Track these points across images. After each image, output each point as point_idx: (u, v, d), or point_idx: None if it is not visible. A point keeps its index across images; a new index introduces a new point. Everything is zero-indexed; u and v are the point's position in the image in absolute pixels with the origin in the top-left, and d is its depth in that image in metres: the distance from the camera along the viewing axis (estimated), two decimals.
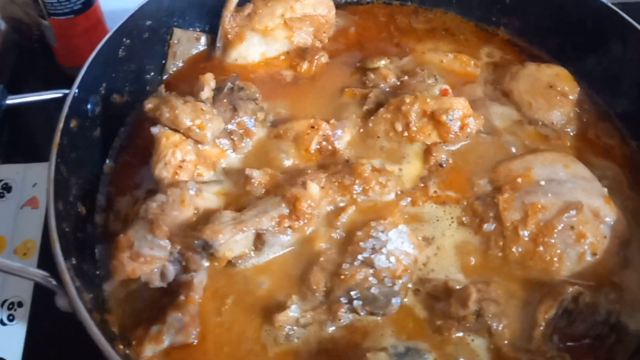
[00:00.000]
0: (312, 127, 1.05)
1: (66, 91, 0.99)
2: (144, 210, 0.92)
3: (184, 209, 0.93)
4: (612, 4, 1.16)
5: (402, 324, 0.90)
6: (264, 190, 0.98)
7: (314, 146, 1.05)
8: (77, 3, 1.26)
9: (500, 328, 0.87)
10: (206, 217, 0.93)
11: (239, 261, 0.93)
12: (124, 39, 1.11)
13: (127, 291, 0.92)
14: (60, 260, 0.80)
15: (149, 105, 1.01)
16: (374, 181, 1.00)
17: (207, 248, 0.90)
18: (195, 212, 0.94)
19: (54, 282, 0.81)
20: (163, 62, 1.23)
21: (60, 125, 0.93)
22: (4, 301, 1.07)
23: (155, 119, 1.01)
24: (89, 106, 1.03)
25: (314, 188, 0.95)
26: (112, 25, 1.26)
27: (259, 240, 0.94)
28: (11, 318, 1.06)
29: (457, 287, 0.90)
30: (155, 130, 1.00)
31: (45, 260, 0.90)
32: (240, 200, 0.99)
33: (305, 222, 0.94)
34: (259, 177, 0.99)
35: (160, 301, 0.89)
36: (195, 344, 0.86)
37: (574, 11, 1.20)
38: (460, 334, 0.88)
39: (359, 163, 1.01)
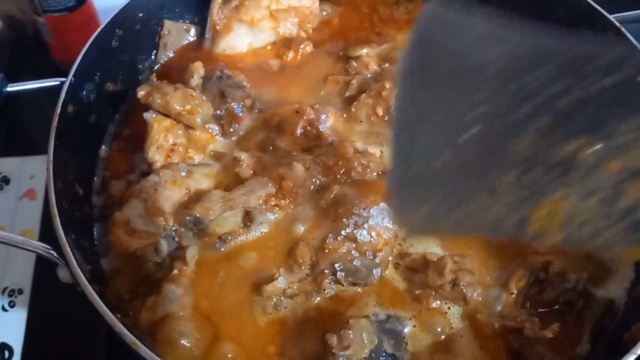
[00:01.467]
0: (297, 112, 1.10)
1: (63, 79, 1.04)
2: (138, 189, 0.98)
3: (176, 189, 0.99)
4: None
5: (384, 295, 0.94)
6: (251, 171, 1.03)
7: (299, 130, 1.09)
8: (71, 0, 1.31)
9: (474, 296, 0.91)
10: (197, 197, 0.98)
11: (229, 237, 0.98)
12: (117, 30, 1.16)
13: (123, 267, 0.96)
14: (60, 233, 0.85)
15: (141, 92, 1.07)
16: (356, 162, 1.04)
17: (197, 224, 0.96)
18: (187, 192, 1.00)
19: (55, 254, 0.86)
20: (154, 52, 1.28)
21: (58, 110, 0.98)
22: (5, 288, 1.12)
23: (147, 104, 1.06)
24: (84, 93, 1.08)
25: (298, 169, 1.00)
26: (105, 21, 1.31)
27: (248, 218, 0.99)
28: (12, 304, 1.10)
29: (435, 259, 0.95)
30: (147, 115, 1.06)
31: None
32: (229, 181, 1.04)
33: (291, 200, 1.00)
34: (247, 159, 1.04)
35: (155, 276, 0.94)
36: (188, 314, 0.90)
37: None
38: (438, 302, 0.93)
39: (342, 145, 1.05)
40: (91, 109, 1.10)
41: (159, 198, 0.96)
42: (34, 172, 1.27)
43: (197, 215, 0.95)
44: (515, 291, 0.92)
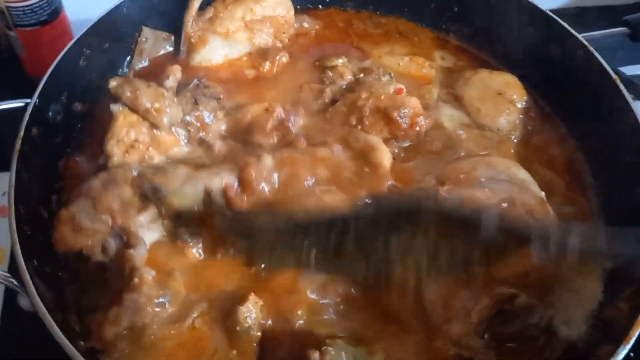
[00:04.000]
0: (267, 109, 1.10)
1: (28, 100, 1.02)
2: (87, 187, 0.97)
3: (126, 188, 0.97)
4: (550, 10, 1.22)
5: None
6: (222, 159, 1.04)
7: (269, 127, 1.08)
8: (43, 14, 1.29)
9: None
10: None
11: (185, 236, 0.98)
12: (84, 49, 1.15)
13: (82, 282, 0.95)
14: (20, 261, 0.83)
15: (113, 83, 1.06)
16: None
17: (155, 192, 0.95)
18: (138, 191, 0.98)
19: (15, 282, 0.85)
20: (125, 70, 1.26)
21: (21, 133, 0.97)
22: None
23: (116, 95, 1.05)
24: (50, 114, 1.07)
25: (267, 160, 1.00)
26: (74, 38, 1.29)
27: (207, 199, 0.97)
28: None
29: None
30: (114, 107, 1.05)
31: (17, 267, 0.93)
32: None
33: (247, 197, 0.99)
34: (219, 147, 1.05)
35: (115, 285, 0.92)
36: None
37: (516, 19, 1.26)
38: None
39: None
40: (57, 130, 1.09)
41: (107, 195, 0.95)
42: (5, 188, 1.22)
43: (156, 184, 0.94)
44: (477, 320, 0.89)
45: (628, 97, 1.07)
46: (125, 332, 0.87)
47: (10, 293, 1.09)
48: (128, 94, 1.03)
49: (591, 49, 1.13)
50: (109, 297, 0.90)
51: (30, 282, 0.82)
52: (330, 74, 1.22)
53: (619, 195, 1.07)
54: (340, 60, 1.26)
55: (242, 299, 0.91)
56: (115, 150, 1.01)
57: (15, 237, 0.85)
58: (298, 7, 1.36)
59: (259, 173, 0.99)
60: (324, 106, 1.16)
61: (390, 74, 1.22)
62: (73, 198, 0.97)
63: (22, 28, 1.30)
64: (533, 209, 0.99)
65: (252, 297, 0.91)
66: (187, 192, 0.97)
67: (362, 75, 1.21)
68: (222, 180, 0.97)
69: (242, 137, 1.09)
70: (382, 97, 1.10)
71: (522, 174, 1.06)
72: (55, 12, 1.32)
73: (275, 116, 1.09)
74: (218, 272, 0.97)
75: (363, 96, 1.10)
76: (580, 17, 1.68)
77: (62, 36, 1.36)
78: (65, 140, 1.12)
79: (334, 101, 1.15)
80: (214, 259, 0.97)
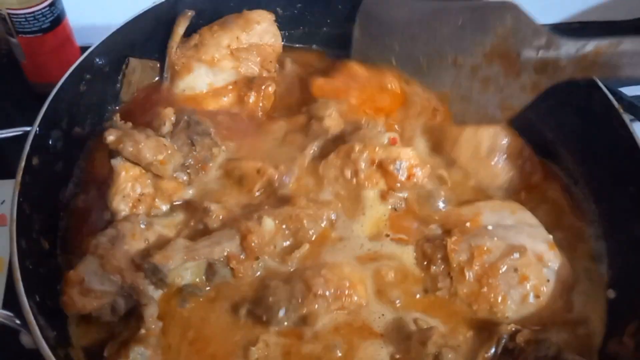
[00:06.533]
0: (258, 171, 1.07)
1: (27, 128, 1.00)
2: (94, 244, 0.94)
3: (135, 242, 0.96)
4: (552, 24, 1.23)
5: None
6: (220, 223, 1.01)
7: (256, 189, 1.07)
8: (45, 22, 1.28)
9: None
10: (159, 246, 0.96)
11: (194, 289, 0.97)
12: (85, 74, 1.13)
13: (89, 326, 0.94)
14: (23, 299, 0.82)
15: (110, 137, 1.02)
16: None
17: (156, 273, 0.93)
18: (146, 243, 0.97)
19: (17, 322, 0.83)
20: (118, 91, 1.25)
21: (22, 164, 0.95)
22: None
23: (115, 151, 1.02)
24: (50, 142, 1.05)
25: (268, 224, 0.99)
26: (82, 42, 1.29)
27: (210, 271, 0.97)
28: None
29: (424, 327, 0.94)
30: (115, 162, 1.02)
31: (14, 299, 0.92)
32: (191, 232, 1.01)
33: (252, 261, 0.98)
34: (216, 210, 1.02)
35: (122, 335, 0.91)
36: None
37: None
38: None
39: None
40: (58, 157, 1.08)
41: (115, 254, 0.93)
42: (4, 197, 1.24)
43: (156, 264, 0.92)
44: None
45: (628, 122, 1.06)
46: None
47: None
48: (130, 148, 1.00)
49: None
50: (114, 347, 0.89)
51: (33, 322, 0.81)
52: (316, 124, 1.16)
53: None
54: (328, 112, 1.17)
55: None
56: (122, 206, 1.00)
57: (18, 274, 0.84)
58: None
59: (261, 238, 0.97)
60: (313, 159, 1.12)
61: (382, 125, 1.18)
62: (80, 254, 0.95)
63: (24, 35, 1.29)
64: (544, 256, 0.99)
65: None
66: (189, 268, 0.96)
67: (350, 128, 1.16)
68: (224, 250, 0.95)
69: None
70: (377, 148, 1.07)
71: (527, 217, 1.05)
72: (58, 20, 1.31)
73: (264, 180, 1.07)
74: None
75: (357, 148, 1.07)
76: (581, 32, 1.67)
77: (64, 44, 1.35)
78: (65, 167, 1.11)
79: (323, 150, 1.12)
80: None
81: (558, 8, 1.69)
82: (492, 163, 1.13)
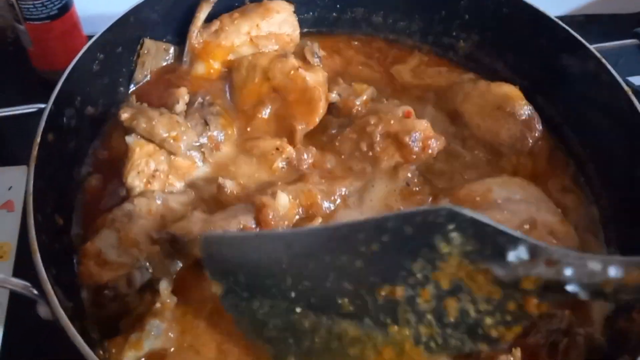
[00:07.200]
0: (277, 149, 1.09)
1: (42, 105, 1.01)
2: (111, 219, 0.96)
3: (151, 218, 0.97)
4: (557, 17, 1.22)
5: None
6: (235, 199, 1.02)
7: (278, 165, 1.09)
8: (53, 8, 1.28)
9: None
10: (175, 221, 0.97)
11: None
12: (98, 54, 1.13)
13: (102, 301, 0.93)
14: (41, 270, 0.82)
15: (124, 114, 1.04)
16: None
17: (174, 244, 0.94)
18: (162, 220, 0.98)
19: (35, 292, 0.83)
20: (132, 71, 1.25)
21: (38, 139, 0.95)
22: None
23: (130, 128, 1.04)
24: (64, 120, 1.06)
25: (283, 198, 0.99)
26: (88, 30, 1.29)
27: None
28: None
29: None
30: (130, 139, 1.03)
31: (22, 263, 0.92)
32: (206, 208, 1.02)
33: None
34: (231, 186, 1.03)
35: (137, 309, 0.91)
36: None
37: (527, 28, 1.26)
38: None
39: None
40: (71, 135, 1.08)
41: (132, 228, 0.94)
42: (11, 183, 1.24)
43: (175, 234, 0.93)
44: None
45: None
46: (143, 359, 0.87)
47: (15, 300, 1.07)
48: (143, 125, 1.01)
49: (603, 60, 1.13)
50: (130, 320, 0.89)
51: (51, 292, 0.81)
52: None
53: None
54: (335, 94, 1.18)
55: None
56: (137, 182, 1.01)
57: (36, 246, 0.84)
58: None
59: (276, 212, 0.98)
60: (331, 137, 1.15)
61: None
62: (96, 228, 0.96)
63: (31, 22, 1.29)
64: (554, 228, 0.99)
65: None
66: None
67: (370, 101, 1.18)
68: (240, 222, 0.96)
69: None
70: (392, 121, 1.08)
71: (536, 192, 1.06)
72: (66, 7, 1.31)
73: (284, 157, 1.09)
74: None
75: (372, 122, 1.09)
76: (588, 25, 1.69)
77: (72, 31, 1.36)
78: (79, 146, 1.11)
79: (341, 127, 1.14)
80: None
81: (563, 0, 1.70)
82: (497, 116, 1.14)
